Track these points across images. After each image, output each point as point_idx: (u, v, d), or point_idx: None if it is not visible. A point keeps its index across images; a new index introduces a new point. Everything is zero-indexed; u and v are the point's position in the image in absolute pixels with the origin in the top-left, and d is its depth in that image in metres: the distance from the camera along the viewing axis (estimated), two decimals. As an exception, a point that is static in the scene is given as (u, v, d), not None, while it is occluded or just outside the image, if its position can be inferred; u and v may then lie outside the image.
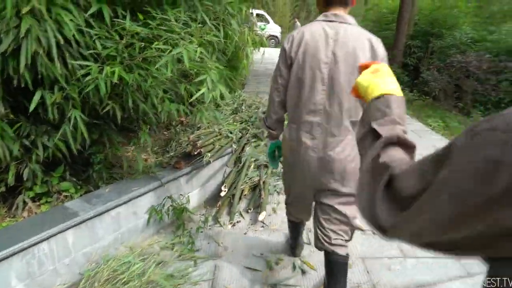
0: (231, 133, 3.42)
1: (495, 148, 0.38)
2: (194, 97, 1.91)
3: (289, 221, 2.16)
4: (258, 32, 4.01)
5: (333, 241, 1.68)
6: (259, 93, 5.79)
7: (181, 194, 2.60)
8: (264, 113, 2.01)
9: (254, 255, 2.35)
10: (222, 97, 2.04)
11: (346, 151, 1.56)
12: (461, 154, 0.42)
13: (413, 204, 0.48)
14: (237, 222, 2.73)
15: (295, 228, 2.20)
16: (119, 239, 2.30)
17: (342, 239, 1.69)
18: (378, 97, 0.73)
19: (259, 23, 19.29)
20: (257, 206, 2.91)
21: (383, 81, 0.76)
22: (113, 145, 2.43)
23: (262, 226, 2.68)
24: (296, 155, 1.64)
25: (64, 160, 2.24)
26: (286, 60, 1.59)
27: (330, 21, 1.52)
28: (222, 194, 2.82)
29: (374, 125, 0.68)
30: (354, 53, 1.47)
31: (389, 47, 9.44)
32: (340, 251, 1.68)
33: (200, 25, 2.17)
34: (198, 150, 2.67)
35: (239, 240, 2.50)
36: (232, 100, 4.85)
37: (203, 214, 2.83)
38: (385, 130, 0.66)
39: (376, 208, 0.56)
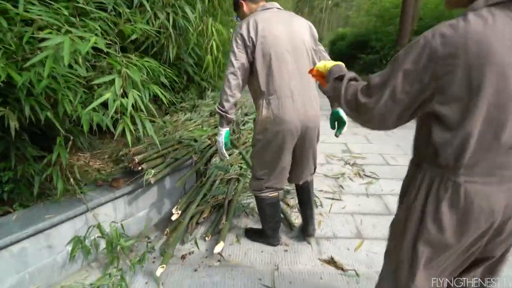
0: (195, 141, 2.90)
1: (424, 40, 0.89)
2: (90, 107, 1.39)
3: (269, 203, 2.12)
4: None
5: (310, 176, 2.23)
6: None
7: (113, 221, 2.09)
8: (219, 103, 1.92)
9: (200, 303, 1.84)
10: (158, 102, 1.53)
11: (317, 105, 2.00)
12: (406, 50, 0.93)
13: (379, 89, 0.97)
14: (189, 253, 2.22)
15: (277, 205, 2.17)
16: (26, 280, 1.80)
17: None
18: (334, 66, 1.23)
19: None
20: (218, 232, 2.40)
21: (330, 62, 1.28)
22: (27, 160, 1.92)
23: (219, 260, 2.16)
24: (280, 122, 1.84)
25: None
26: (246, 44, 1.80)
27: (269, 8, 1.92)
28: (173, 218, 2.30)
29: (338, 74, 1.17)
30: (301, 29, 1.92)
31: (393, 43, 8.87)
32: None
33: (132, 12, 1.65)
34: (140, 167, 2.15)
35: (185, 281, 1.98)
36: (212, 100, 4.35)
37: (149, 241, 2.33)
38: (345, 74, 1.15)
39: (359, 104, 1.02)
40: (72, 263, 1.99)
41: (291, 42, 1.85)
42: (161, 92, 1.80)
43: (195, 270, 2.07)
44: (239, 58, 1.79)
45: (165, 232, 2.26)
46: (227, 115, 1.90)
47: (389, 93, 0.95)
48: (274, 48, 1.81)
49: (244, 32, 1.80)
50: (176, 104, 4.16)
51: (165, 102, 1.83)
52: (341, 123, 2.15)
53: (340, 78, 1.14)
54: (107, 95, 1.36)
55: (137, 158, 2.13)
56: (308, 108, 1.91)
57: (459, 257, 1.05)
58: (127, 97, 1.44)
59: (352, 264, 2.15)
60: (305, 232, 2.33)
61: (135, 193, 2.28)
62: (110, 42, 1.56)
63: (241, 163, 3.09)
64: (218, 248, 2.16)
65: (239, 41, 1.79)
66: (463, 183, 0.95)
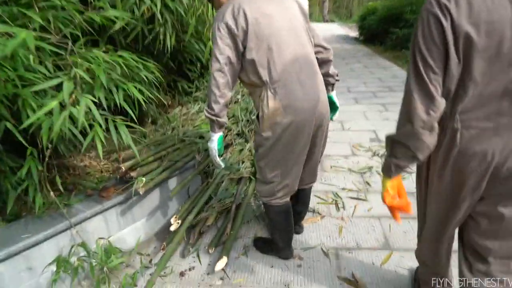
0: (201, 138, 2.62)
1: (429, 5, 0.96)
2: (26, 123, 1.12)
3: (282, 210, 1.85)
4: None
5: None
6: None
7: (100, 238, 1.87)
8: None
9: (195, 333, 1.59)
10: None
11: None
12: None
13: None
14: (189, 269, 1.97)
15: (289, 212, 1.90)
16: (5, 308, 1.63)
17: None
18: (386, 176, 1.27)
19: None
20: (223, 242, 2.13)
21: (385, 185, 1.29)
22: (2, 173, 1.72)
23: (222, 278, 1.90)
24: (292, 112, 1.58)
25: None
26: (233, 33, 1.52)
27: None
28: (172, 228, 2.05)
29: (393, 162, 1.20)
30: (292, 5, 1.67)
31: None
32: None
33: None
34: (129, 175, 1.90)
35: (181, 304, 1.74)
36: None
37: (148, 255, 2.11)
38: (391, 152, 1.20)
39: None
40: (58, 285, 1.80)
41: (287, 20, 1.60)
42: (140, 91, 1.51)
43: (194, 291, 1.82)
44: (224, 51, 1.53)
45: (162, 246, 2.02)
46: (218, 118, 1.63)
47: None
48: (270, 30, 1.54)
49: (228, 19, 1.51)
50: (190, 94, 3.90)
51: (159, 100, 1.53)
52: (334, 108, 1.98)
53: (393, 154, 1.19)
54: (52, 104, 1.09)
55: (123, 166, 1.88)
56: (318, 92, 1.65)
57: (462, 202, 1.14)
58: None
59: (378, 283, 1.81)
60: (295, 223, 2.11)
61: (129, 202, 2.05)
62: (56, 37, 1.28)
63: (253, 159, 2.78)
64: (220, 265, 1.89)
65: (223, 32, 1.51)
66: (459, 129, 1.04)
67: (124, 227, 2.07)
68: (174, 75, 3.92)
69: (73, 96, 1.13)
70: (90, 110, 1.19)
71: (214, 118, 1.62)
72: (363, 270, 1.90)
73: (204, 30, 2.43)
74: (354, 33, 13.20)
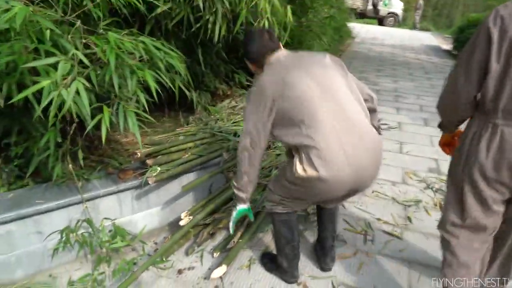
0: (235, 134, 2.53)
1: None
2: (16, 98, 1.11)
3: (284, 220, 1.73)
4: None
5: None
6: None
7: (105, 218, 1.88)
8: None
9: None
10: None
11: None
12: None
13: None
14: (188, 268, 1.91)
15: (293, 225, 1.76)
16: (12, 262, 1.73)
17: None
18: None
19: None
20: (231, 248, 2.03)
21: None
22: (33, 138, 1.82)
23: (216, 287, 1.80)
24: (326, 181, 1.44)
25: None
26: (270, 106, 1.47)
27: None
28: (182, 223, 2.01)
29: None
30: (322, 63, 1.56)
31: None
32: None
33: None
34: (145, 161, 1.88)
35: (168, 303, 1.69)
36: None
37: (156, 243, 2.10)
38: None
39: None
40: (65, 252, 1.86)
41: (319, 84, 1.48)
42: (157, 80, 1.46)
43: (185, 293, 1.76)
44: (266, 126, 1.50)
45: (166, 238, 1.98)
46: (239, 193, 1.65)
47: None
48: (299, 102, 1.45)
49: (269, 93, 1.47)
50: (246, 87, 3.84)
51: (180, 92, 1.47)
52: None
53: None
54: (44, 83, 1.08)
55: (139, 152, 1.87)
56: (364, 157, 1.47)
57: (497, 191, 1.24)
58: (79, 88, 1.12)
59: None
60: (320, 263, 1.93)
61: (146, 187, 2.04)
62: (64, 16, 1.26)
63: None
64: (217, 273, 1.80)
65: (263, 104, 1.48)
66: (500, 125, 1.18)
67: (137, 212, 2.08)
68: (234, 66, 3.89)
69: (68, 77, 1.10)
70: (78, 93, 1.15)
71: (236, 191, 1.65)
72: (372, 320, 1.65)
73: (256, 23, 2.30)
74: (447, 45, 11.95)
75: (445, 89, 1.35)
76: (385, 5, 16.78)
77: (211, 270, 1.89)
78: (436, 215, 2.48)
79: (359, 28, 14.15)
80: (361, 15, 17.46)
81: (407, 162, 3.28)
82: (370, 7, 17.17)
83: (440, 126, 1.52)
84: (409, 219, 2.43)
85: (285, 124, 1.47)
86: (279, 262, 1.82)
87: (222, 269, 1.81)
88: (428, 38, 14.16)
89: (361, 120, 1.48)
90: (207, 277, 1.85)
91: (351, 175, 1.44)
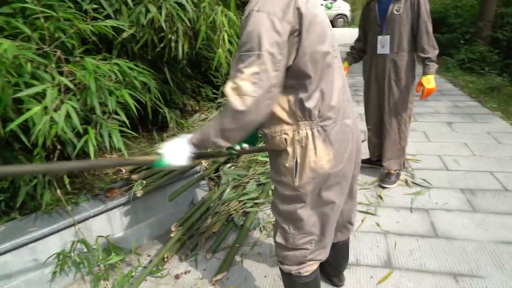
0: (211, 143, 2.67)
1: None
2: (14, 124, 1.21)
3: (310, 281, 1.38)
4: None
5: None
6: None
7: (100, 236, 1.96)
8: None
9: (179, 336, 1.62)
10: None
11: None
12: None
13: None
14: (185, 273, 2.01)
15: (318, 280, 1.47)
16: (11, 294, 1.77)
17: None
18: None
19: (324, 1, 17.69)
20: (222, 248, 2.15)
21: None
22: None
23: (213, 284, 1.91)
24: (340, 161, 1.18)
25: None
26: (291, 31, 1.03)
27: None
28: (172, 235, 2.11)
29: None
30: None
31: (474, 18, 7.58)
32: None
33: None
34: (130, 177, 1.99)
35: (171, 306, 1.79)
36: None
37: (149, 256, 2.18)
38: None
39: None
40: (63, 277, 1.92)
41: (331, 32, 1.17)
42: (133, 98, 1.58)
43: (185, 295, 1.86)
44: (279, 63, 1.02)
45: (159, 250, 2.08)
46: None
47: None
48: (323, 40, 1.10)
49: (279, 11, 1.00)
50: (214, 100, 3.99)
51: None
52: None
53: None
54: (35, 109, 1.18)
55: (124, 169, 1.97)
56: (356, 121, 1.30)
57: None
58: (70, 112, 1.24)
59: (371, 302, 1.74)
60: (333, 281, 1.83)
61: (133, 204, 2.13)
62: (43, 48, 1.37)
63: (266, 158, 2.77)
64: (219, 277, 1.91)
65: (279, 28, 0.99)
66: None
67: (127, 228, 2.16)
68: (199, 81, 4.04)
69: (57, 102, 1.21)
70: (70, 116, 1.27)
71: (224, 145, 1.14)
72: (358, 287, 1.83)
73: (215, 37, 2.47)
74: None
75: None
76: (328, 7, 17.45)
77: (206, 270, 2.01)
78: (404, 190, 2.72)
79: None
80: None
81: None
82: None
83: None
84: (380, 197, 2.65)
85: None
86: None
87: (223, 274, 1.93)
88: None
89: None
90: (203, 277, 1.97)
91: (355, 148, 1.28)
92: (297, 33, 1.04)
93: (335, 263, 1.73)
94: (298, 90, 1.10)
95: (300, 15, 1.02)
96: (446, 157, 3.23)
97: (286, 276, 1.41)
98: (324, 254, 1.38)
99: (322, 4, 17.63)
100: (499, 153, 3.25)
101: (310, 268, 1.36)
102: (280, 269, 1.41)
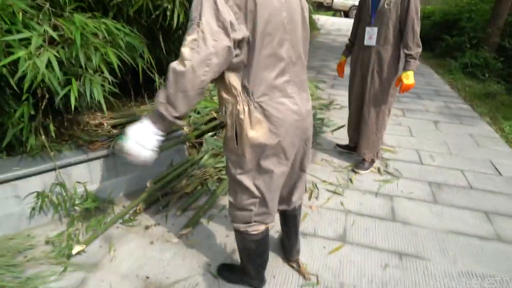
0: (196, 112, 2.80)
1: None
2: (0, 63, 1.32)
3: (259, 239, 1.55)
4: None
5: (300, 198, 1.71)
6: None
7: (78, 182, 2.12)
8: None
9: (139, 277, 1.79)
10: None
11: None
12: None
13: None
14: (154, 225, 2.17)
15: (267, 239, 1.62)
16: (-8, 225, 1.94)
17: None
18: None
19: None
20: (192, 208, 2.31)
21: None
22: (5, 114, 2.01)
23: (178, 237, 2.08)
24: (279, 132, 1.31)
25: None
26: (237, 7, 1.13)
27: None
28: (146, 189, 2.26)
29: None
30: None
31: (485, 23, 7.53)
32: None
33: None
34: (110, 132, 2.13)
35: (136, 251, 1.95)
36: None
37: (124, 207, 2.34)
38: None
39: None
40: (41, 216, 2.08)
41: (287, 9, 1.25)
42: (118, 57, 1.71)
43: (151, 243, 2.02)
44: (218, 34, 1.10)
45: (134, 204, 2.23)
46: (178, 121, 1.20)
47: None
48: (268, 16, 1.19)
49: None
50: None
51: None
52: None
53: None
54: (20, 53, 1.31)
55: (106, 123, 2.11)
56: (306, 105, 1.42)
57: None
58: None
59: (318, 269, 1.89)
60: (286, 254, 1.92)
61: (112, 158, 2.28)
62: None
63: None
64: (184, 231, 2.07)
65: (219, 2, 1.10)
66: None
67: (106, 180, 2.31)
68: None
69: (41, 50, 1.33)
70: (51, 64, 1.39)
71: (173, 120, 1.17)
72: (310, 256, 1.98)
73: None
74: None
75: None
76: None
77: (174, 225, 2.17)
78: (374, 176, 2.86)
79: (324, 20, 14.64)
80: (328, 8, 18.04)
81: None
82: (336, 0, 17.77)
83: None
84: (350, 180, 2.79)
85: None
86: (247, 271, 1.71)
87: (188, 230, 2.09)
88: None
89: (305, 65, 1.44)
90: (170, 231, 2.13)
91: (297, 125, 1.38)
92: (242, 12, 1.14)
93: (284, 233, 1.85)
94: (238, 69, 1.22)
95: None
96: (423, 152, 3.35)
97: (237, 233, 1.57)
98: (270, 219, 1.53)
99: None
100: (474, 154, 3.36)
101: (256, 228, 1.51)
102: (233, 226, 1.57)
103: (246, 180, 1.38)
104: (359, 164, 2.93)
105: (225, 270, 1.82)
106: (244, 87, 1.24)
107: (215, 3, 1.09)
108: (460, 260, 2.00)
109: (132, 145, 1.17)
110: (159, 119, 1.17)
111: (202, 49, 1.08)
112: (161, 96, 1.15)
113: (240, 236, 1.57)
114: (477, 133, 3.92)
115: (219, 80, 1.26)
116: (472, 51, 7.18)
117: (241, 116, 1.27)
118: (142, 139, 1.17)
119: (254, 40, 1.17)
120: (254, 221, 1.49)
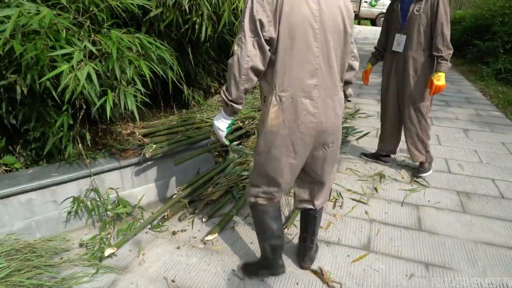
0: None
1: None
2: (45, 78, 1.45)
3: (267, 211, 1.72)
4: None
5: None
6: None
7: (111, 188, 2.23)
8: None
9: (165, 280, 1.86)
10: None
11: (340, 111, 1.61)
12: None
13: None
14: (181, 231, 2.25)
15: (277, 215, 1.77)
16: (33, 227, 2.08)
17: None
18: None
19: (369, -2, 17.16)
20: (218, 215, 2.37)
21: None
22: (48, 124, 2.17)
23: (204, 243, 2.14)
24: (292, 126, 1.50)
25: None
26: (270, 13, 1.38)
27: None
28: (174, 196, 2.35)
29: None
30: (336, 5, 1.47)
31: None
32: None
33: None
34: (142, 141, 2.24)
35: (164, 256, 2.03)
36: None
37: (153, 213, 2.44)
38: None
39: None
40: (76, 220, 2.21)
41: (320, 19, 1.42)
42: (150, 69, 1.81)
43: (178, 248, 2.10)
44: (254, 34, 1.38)
45: (163, 210, 2.32)
46: (235, 105, 1.49)
47: None
48: (295, 22, 1.39)
49: None
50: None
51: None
52: None
53: None
54: (63, 67, 1.43)
55: (137, 132, 2.22)
56: (328, 110, 1.54)
57: None
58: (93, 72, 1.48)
59: (342, 277, 1.89)
60: (299, 261, 1.96)
61: (144, 165, 2.39)
62: (76, 17, 1.62)
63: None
64: (209, 237, 2.13)
65: (260, 7, 1.36)
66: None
67: (136, 186, 2.42)
68: (225, 65, 4.26)
69: (81, 63, 1.45)
70: (90, 77, 1.51)
71: (230, 103, 1.47)
72: (334, 264, 1.99)
73: (237, 22, 2.66)
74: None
75: None
76: (372, 5, 17.12)
77: (201, 231, 2.24)
78: (401, 185, 2.82)
79: (350, 29, 14.53)
80: (355, 17, 17.90)
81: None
82: (362, 8, 17.58)
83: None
84: (375, 189, 2.76)
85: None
86: (263, 254, 1.84)
87: (212, 236, 2.15)
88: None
89: (338, 77, 1.59)
90: (197, 236, 2.20)
91: (314, 127, 1.53)
92: (273, 17, 1.38)
93: (301, 234, 1.95)
94: (272, 65, 1.46)
95: (277, 2, 1.37)
96: (451, 161, 3.26)
97: (250, 208, 1.79)
98: (278, 194, 1.69)
99: (366, 1, 17.28)
100: (507, 163, 3.24)
101: (264, 200, 1.70)
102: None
103: (257, 161, 1.63)
104: (418, 169, 2.94)
105: (246, 269, 1.93)
106: (272, 81, 1.47)
107: (251, 8, 1.37)
108: (490, 271, 1.94)
109: (214, 128, 1.62)
110: (224, 105, 1.52)
111: (243, 45, 1.38)
112: (223, 86, 1.49)
113: (253, 210, 1.77)
114: (510, 141, 3.77)
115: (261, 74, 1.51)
116: (506, 56, 6.92)
117: (268, 106, 1.50)
118: (218, 123, 1.59)
119: (281, 42, 1.40)
120: (262, 196, 1.70)
